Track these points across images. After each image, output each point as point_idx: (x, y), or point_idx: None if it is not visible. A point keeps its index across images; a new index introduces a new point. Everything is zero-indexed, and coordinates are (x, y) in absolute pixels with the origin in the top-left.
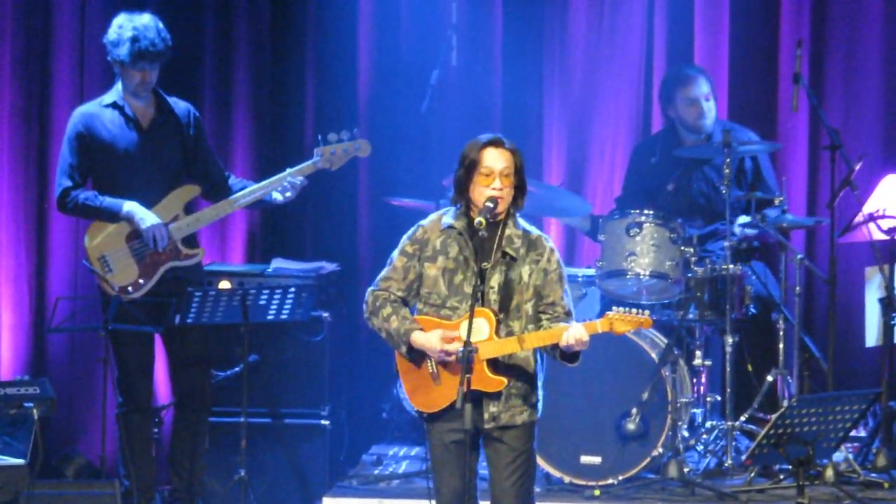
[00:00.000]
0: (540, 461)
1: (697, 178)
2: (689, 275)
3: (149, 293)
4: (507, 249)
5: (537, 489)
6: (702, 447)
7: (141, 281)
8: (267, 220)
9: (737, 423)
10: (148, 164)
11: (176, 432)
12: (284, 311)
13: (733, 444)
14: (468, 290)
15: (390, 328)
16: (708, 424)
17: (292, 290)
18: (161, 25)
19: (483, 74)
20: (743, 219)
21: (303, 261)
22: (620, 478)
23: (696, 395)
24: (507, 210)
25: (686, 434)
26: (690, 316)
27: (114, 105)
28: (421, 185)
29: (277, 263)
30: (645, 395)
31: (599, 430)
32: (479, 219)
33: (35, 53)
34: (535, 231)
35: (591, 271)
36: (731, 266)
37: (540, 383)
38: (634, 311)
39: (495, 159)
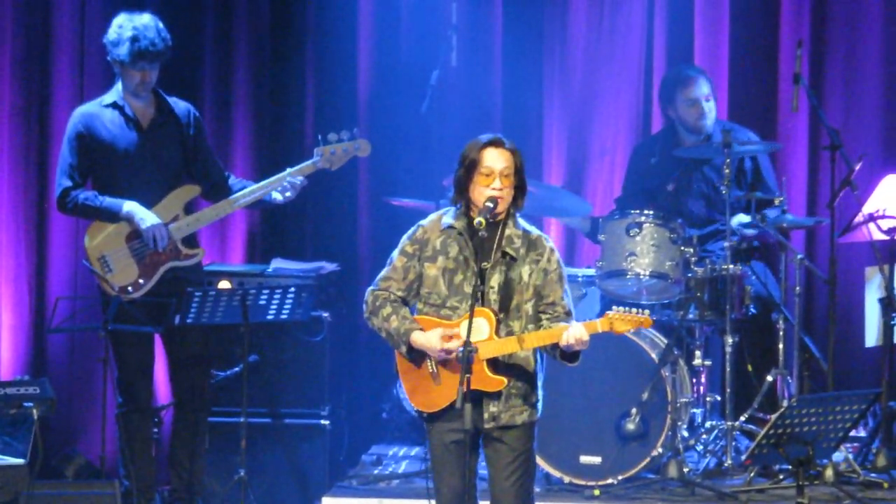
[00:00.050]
0: (540, 461)
1: (697, 179)
2: (689, 275)
3: (149, 293)
4: (507, 249)
5: (537, 489)
6: (701, 447)
7: (141, 281)
8: (267, 220)
9: (736, 423)
10: (148, 164)
11: (176, 432)
12: (284, 311)
13: (733, 444)
14: (468, 289)
15: (390, 328)
16: (708, 424)
17: (292, 290)
18: (161, 25)
19: (483, 74)
20: (742, 218)
21: (303, 261)
22: (620, 478)
23: (695, 395)
24: (507, 210)
25: (686, 434)
26: (690, 316)
27: (114, 105)
28: (421, 185)
29: (277, 263)
30: (645, 395)
31: (599, 430)
32: (478, 219)
33: (35, 53)
34: (535, 231)
35: (591, 271)
36: (731, 266)
37: (540, 383)
38: (634, 310)
39: (495, 159)
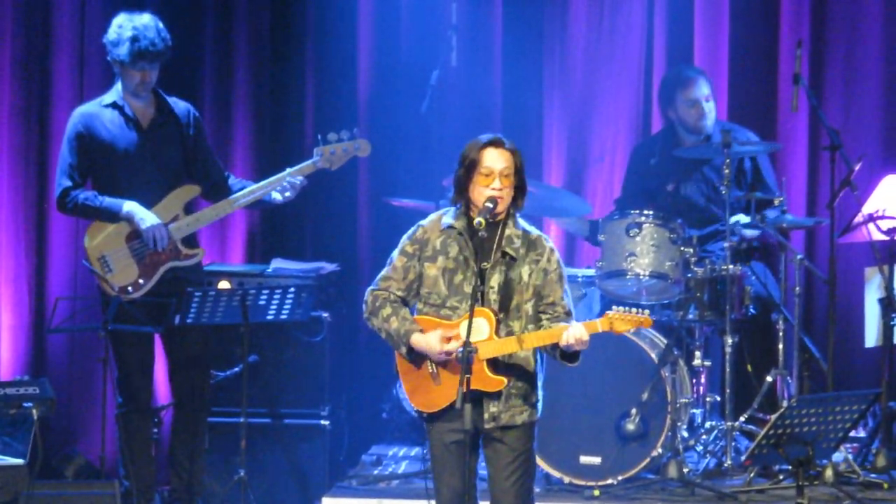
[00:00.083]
0: (539, 461)
1: (697, 179)
2: (689, 275)
3: (148, 293)
4: (507, 249)
5: (537, 489)
6: (701, 447)
7: (141, 281)
8: (267, 220)
9: (736, 424)
10: (148, 164)
11: (175, 432)
12: (284, 312)
13: (733, 444)
14: (468, 289)
15: (390, 329)
16: (707, 425)
17: (292, 290)
18: (161, 25)
19: (483, 75)
20: (741, 218)
21: (302, 261)
22: (620, 478)
23: (695, 396)
24: (507, 210)
25: (685, 434)
26: (690, 316)
27: (113, 105)
28: (421, 186)
29: (277, 263)
30: (644, 396)
31: (599, 431)
32: (478, 219)
33: (35, 53)
34: (534, 231)
35: (591, 272)
36: (731, 266)
37: (540, 383)
38: (634, 310)
39: (495, 159)
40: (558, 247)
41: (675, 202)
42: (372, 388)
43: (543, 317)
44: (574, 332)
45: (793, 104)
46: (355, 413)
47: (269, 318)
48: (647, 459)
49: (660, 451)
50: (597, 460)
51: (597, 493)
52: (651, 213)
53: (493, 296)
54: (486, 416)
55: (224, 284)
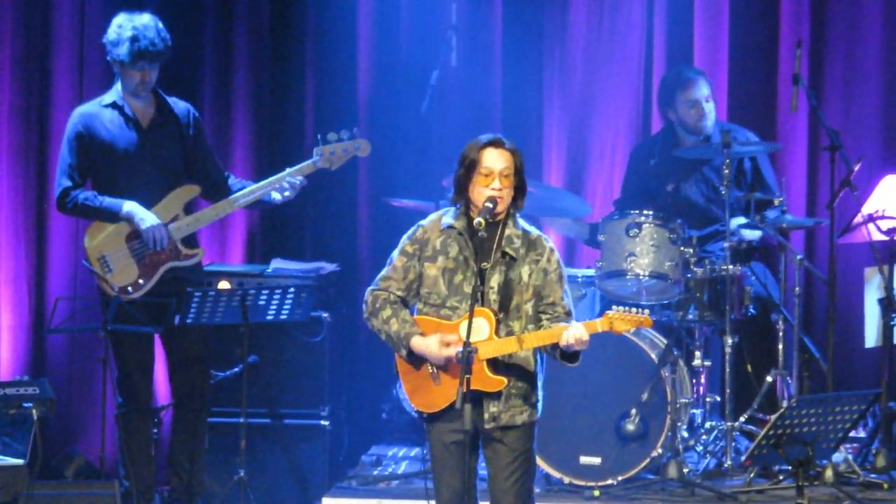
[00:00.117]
0: (539, 462)
1: (697, 179)
2: (689, 275)
3: (148, 293)
4: (507, 249)
5: (537, 490)
6: (701, 448)
7: (141, 281)
8: (266, 220)
9: (736, 424)
10: (147, 164)
11: (175, 433)
12: (284, 312)
13: (733, 444)
14: (468, 289)
15: (390, 331)
16: (707, 425)
17: (292, 290)
18: (161, 25)
19: (483, 75)
20: (739, 221)
21: (302, 261)
22: (620, 478)
23: (695, 396)
24: (507, 210)
25: (685, 435)
26: (690, 316)
27: (113, 105)
28: (421, 186)
29: (277, 264)
30: (644, 396)
31: (599, 431)
32: (478, 219)
33: (35, 53)
34: (534, 231)
35: (591, 272)
36: (731, 267)
37: (540, 383)
38: (634, 310)
39: (495, 160)
40: (558, 247)
41: (674, 202)
42: (372, 389)
43: (543, 317)
44: (574, 332)
45: (792, 104)
46: (355, 413)
47: (269, 318)
48: (647, 460)
49: (660, 451)
50: (597, 460)
51: (597, 493)
52: (651, 213)
53: (492, 296)
54: (486, 416)
55: (224, 284)
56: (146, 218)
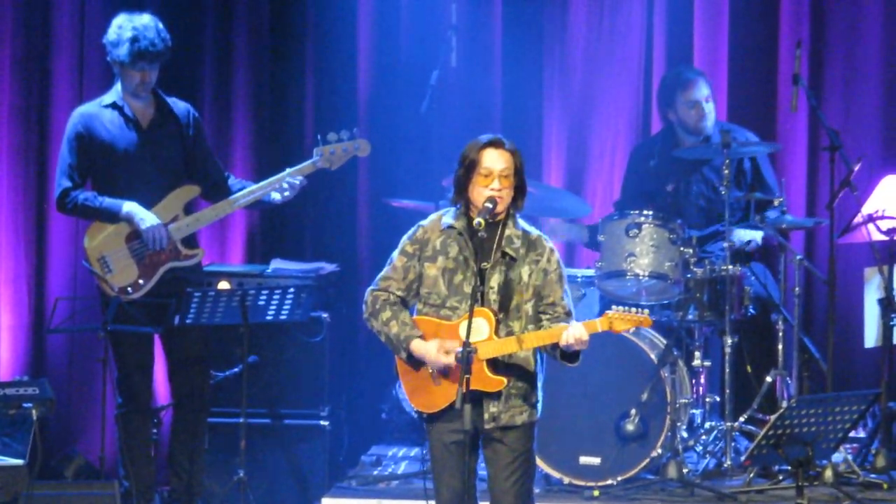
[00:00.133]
0: (539, 462)
1: (697, 180)
2: (689, 276)
3: (148, 294)
4: (507, 249)
5: (536, 490)
6: (701, 448)
7: (140, 281)
8: (266, 220)
9: (736, 424)
10: (147, 165)
11: (175, 433)
12: (284, 312)
13: (732, 444)
14: (468, 290)
15: (390, 333)
16: (707, 425)
17: (291, 290)
18: (161, 26)
19: (483, 75)
20: (747, 234)
21: (302, 261)
22: (620, 478)
23: (695, 396)
24: (507, 210)
25: (685, 435)
26: (690, 317)
27: (113, 105)
28: (420, 186)
29: (277, 264)
30: (644, 396)
31: (599, 431)
32: (478, 219)
33: (35, 53)
34: (534, 231)
35: (591, 272)
36: (731, 267)
37: (540, 384)
38: (634, 310)
39: (495, 160)
40: (557, 247)
41: (674, 203)
42: (371, 389)
43: (543, 317)
44: (574, 332)
45: (792, 104)
46: (355, 413)
47: (269, 318)
48: (647, 460)
49: (659, 451)
50: (596, 461)
51: (596, 493)
52: (650, 213)
53: (492, 296)
54: (485, 416)
55: (224, 285)
56: (146, 218)
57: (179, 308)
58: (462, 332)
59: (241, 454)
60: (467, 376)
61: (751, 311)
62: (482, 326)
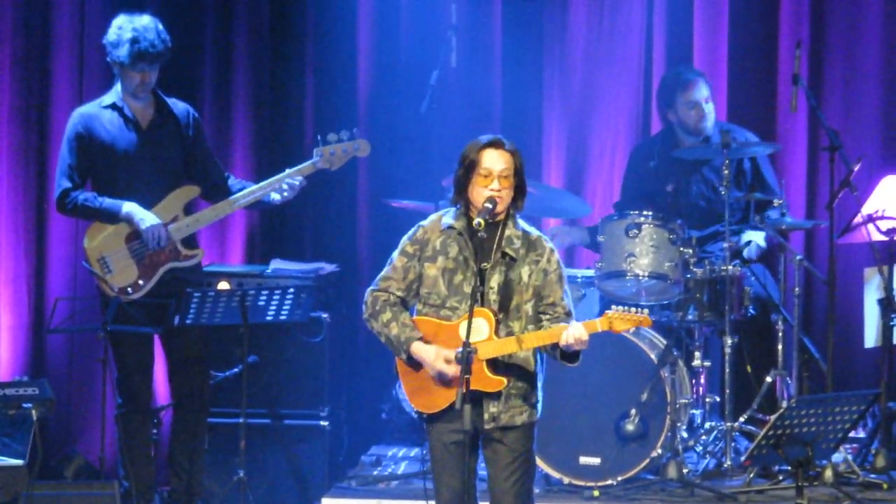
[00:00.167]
0: (539, 462)
1: (697, 180)
2: (689, 276)
3: (148, 294)
4: (507, 250)
5: (536, 490)
6: (701, 448)
7: (140, 282)
8: (266, 220)
9: (736, 424)
10: (147, 165)
11: (175, 433)
12: (283, 312)
13: (732, 444)
14: (468, 290)
15: (390, 334)
16: (707, 425)
17: (291, 290)
18: (161, 27)
19: (483, 75)
20: (753, 235)
21: (302, 261)
22: (619, 479)
23: (695, 396)
24: (507, 211)
25: (685, 435)
26: (689, 317)
27: (113, 106)
28: (420, 186)
29: (276, 264)
30: (644, 396)
31: (598, 431)
32: (477, 219)
33: (35, 53)
34: (534, 232)
35: (591, 272)
36: (730, 267)
37: (540, 384)
38: (633, 309)
39: (494, 160)
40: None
41: (674, 203)
42: (371, 389)
43: (544, 317)
44: (573, 332)
45: (792, 105)
46: (355, 414)
47: (269, 318)
48: (647, 460)
49: (659, 451)
50: (596, 461)
51: (596, 493)
52: (650, 213)
53: (492, 296)
54: (485, 416)
55: (223, 285)
56: (146, 218)
57: (179, 308)
58: (462, 333)
59: (241, 454)
60: (467, 376)
61: (751, 311)
62: (482, 326)
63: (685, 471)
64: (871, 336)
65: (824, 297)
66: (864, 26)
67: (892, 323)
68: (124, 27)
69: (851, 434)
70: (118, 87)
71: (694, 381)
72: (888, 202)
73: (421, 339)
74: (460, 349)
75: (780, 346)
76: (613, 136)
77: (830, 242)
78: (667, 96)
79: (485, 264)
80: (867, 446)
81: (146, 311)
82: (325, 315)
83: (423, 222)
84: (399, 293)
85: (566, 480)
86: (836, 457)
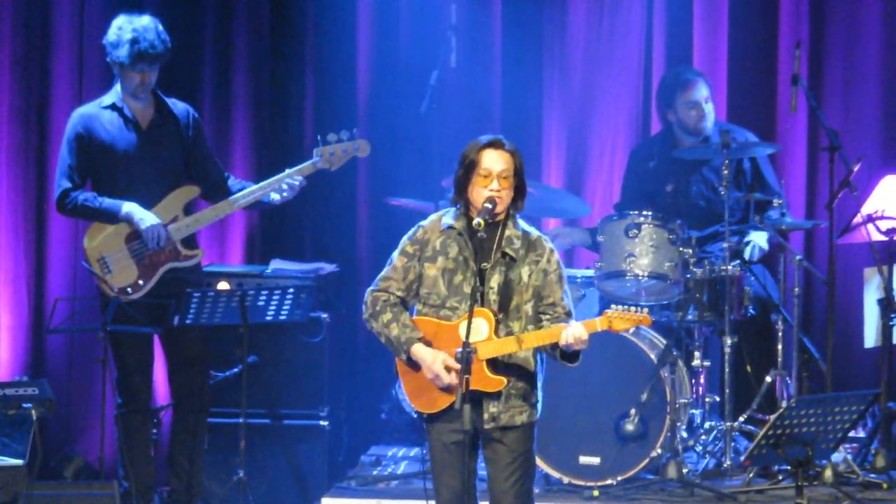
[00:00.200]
0: (539, 462)
1: (696, 181)
2: (688, 276)
3: (148, 294)
4: (507, 250)
5: (536, 490)
6: (701, 448)
7: (140, 282)
8: (266, 221)
9: (736, 424)
10: (147, 166)
11: (175, 433)
12: (283, 312)
13: (732, 444)
14: (468, 290)
15: (390, 335)
16: (707, 425)
17: (291, 290)
18: (160, 27)
19: (482, 75)
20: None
21: (302, 261)
22: (619, 478)
23: (694, 396)
24: (507, 211)
25: (685, 435)
26: (689, 317)
27: (113, 106)
28: (420, 186)
29: (276, 264)
30: (644, 396)
31: (598, 431)
32: (477, 219)
33: (35, 54)
34: (534, 232)
35: (590, 272)
36: (730, 267)
37: (540, 384)
38: (633, 308)
39: (494, 161)
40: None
41: (674, 203)
42: (371, 389)
43: (544, 317)
44: (573, 332)
45: (792, 105)
46: (354, 414)
47: (269, 318)
48: (647, 460)
49: (659, 451)
50: (596, 461)
51: (596, 493)
52: (650, 213)
53: (492, 296)
54: (485, 416)
55: (223, 285)
56: (145, 218)
57: (179, 308)
58: (462, 333)
59: (241, 454)
60: (467, 376)
61: (750, 311)
62: (482, 326)
63: (685, 471)
64: (870, 336)
65: (824, 297)
66: (864, 26)
67: (891, 323)
68: (124, 27)
69: (851, 434)
70: (118, 87)
71: (694, 381)
72: (888, 202)
73: (421, 339)
74: (460, 349)
75: (779, 346)
76: (613, 136)
77: (830, 242)
78: (666, 96)
79: (485, 264)
80: (867, 446)
81: (146, 311)
82: (324, 315)
83: (423, 222)
84: (399, 293)
85: (566, 480)
86: (836, 457)
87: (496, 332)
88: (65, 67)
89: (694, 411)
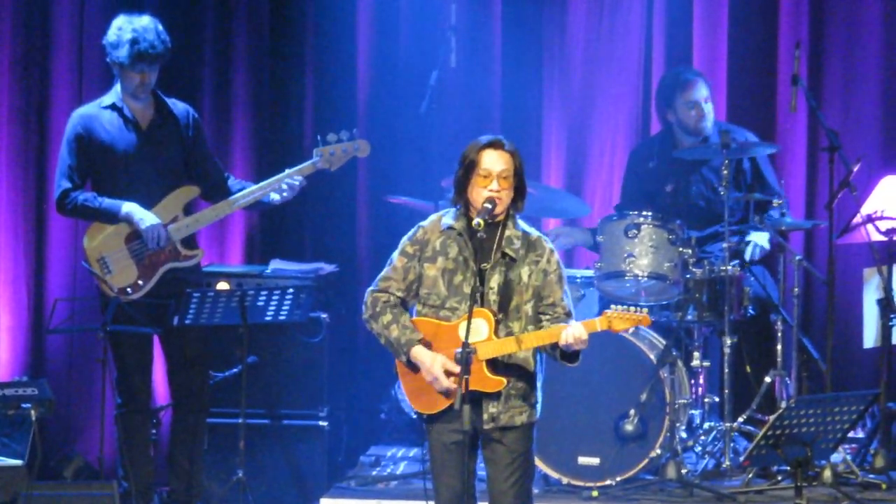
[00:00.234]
0: (538, 462)
1: (696, 181)
2: (688, 276)
3: (148, 294)
4: (507, 250)
5: (535, 490)
6: (700, 448)
7: (140, 282)
8: (266, 221)
9: (735, 425)
10: (147, 166)
11: (174, 433)
12: (283, 312)
13: (731, 445)
14: (467, 290)
15: (390, 336)
16: (706, 425)
17: (291, 291)
18: (160, 27)
19: (482, 75)
20: (759, 236)
21: (301, 262)
22: (618, 479)
23: (694, 397)
24: (507, 211)
25: (684, 435)
26: (689, 317)
27: (113, 107)
28: (420, 186)
29: (276, 264)
30: (643, 397)
31: (598, 432)
32: (477, 220)
33: (34, 54)
34: (534, 232)
35: (590, 272)
36: (730, 267)
37: (539, 384)
38: (633, 308)
39: (494, 161)
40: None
41: (674, 204)
42: (370, 389)
43: (543, 318)
44: (573, 332)
45: (791, 105)
46: (354, 414)
47: (268, 318)
48: (646, 460)
49: (658, 451)
50: (595, 461)
51: (595, 493)
52: (649, 214)
53: (492, 296)
54: (485, 416)
55: (223, 285)
56: (145, 218)
57: (179, 308)
58: (461, 333)
59: (241, 454)
60: (466, 377)
61: (750, 311)
62: (481, 327)
63: (684, 471)
64: (870, 336)
65: (824, 297)
66: (863, 26)
67: (891, 323)
68: (124, 28)
69: (850, 434)
70: (118, 87)
71: (693, 382)
72: (887, 202)
73: (421, 341)
74: (459, 349)
75: (779, 347)
76: (613, 136)
77: (830, 243)
78: (666, 96)
79: (484, 265)
80: (866, 446)
81: (146, 311)
82: (324, 315)
83: (423, 223)
84: (399, 294)
85: (565, 481)
86: (835, 457)
87: (496, 332)
88: (65, 67)
89: (693, 412)
